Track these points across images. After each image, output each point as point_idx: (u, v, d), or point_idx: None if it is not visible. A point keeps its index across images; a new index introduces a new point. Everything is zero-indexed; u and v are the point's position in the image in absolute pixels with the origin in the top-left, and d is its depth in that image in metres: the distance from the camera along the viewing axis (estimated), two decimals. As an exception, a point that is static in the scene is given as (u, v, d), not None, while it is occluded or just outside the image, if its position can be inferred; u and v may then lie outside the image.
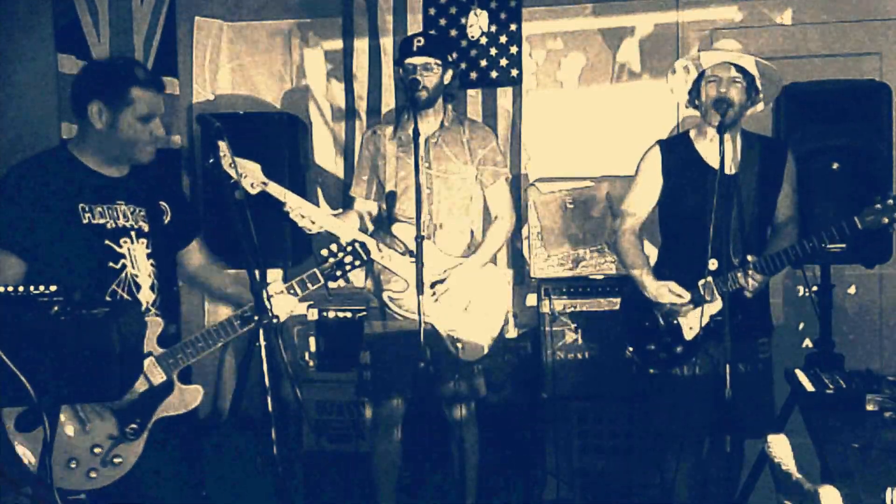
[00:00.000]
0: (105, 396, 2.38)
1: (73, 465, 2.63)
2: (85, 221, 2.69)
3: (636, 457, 4.25)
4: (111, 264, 2.72)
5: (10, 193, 2.66)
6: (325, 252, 2.98)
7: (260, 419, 2.57)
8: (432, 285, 3.68)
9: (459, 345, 3.75)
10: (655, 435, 3.69)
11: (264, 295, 2.55)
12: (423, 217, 3.56)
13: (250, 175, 3.34)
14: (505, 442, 4.35)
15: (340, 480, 4.45)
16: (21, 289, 2.09)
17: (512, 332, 4.33)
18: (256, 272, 2.55)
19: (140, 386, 2.68)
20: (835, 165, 3.84)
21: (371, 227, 3.90)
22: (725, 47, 3.43)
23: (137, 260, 2.77)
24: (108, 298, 2.69)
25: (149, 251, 2.81)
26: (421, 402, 3.95)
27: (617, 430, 4.29)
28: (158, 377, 2.73)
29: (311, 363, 4.61)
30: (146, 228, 2.82)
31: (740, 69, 3.31)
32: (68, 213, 2.67)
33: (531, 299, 4.60)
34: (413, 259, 3.50)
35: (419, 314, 3.32)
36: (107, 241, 2.72)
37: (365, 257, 2.99)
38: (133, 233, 2.78)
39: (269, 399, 2.49)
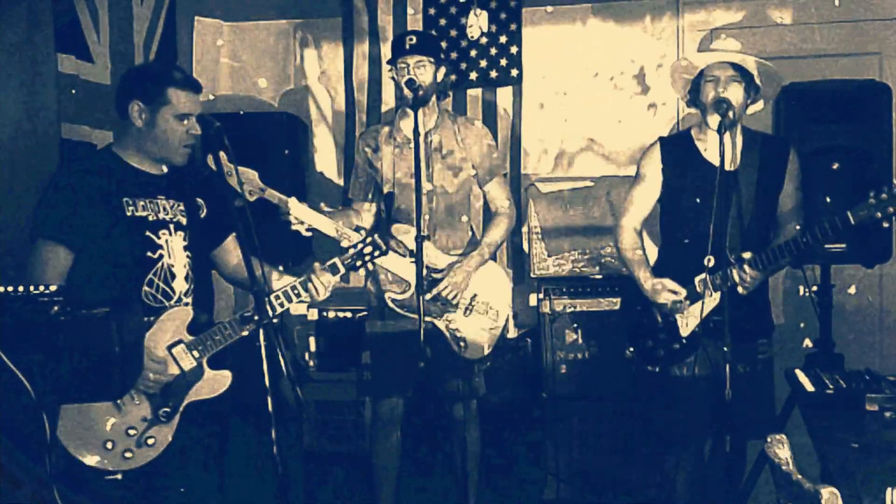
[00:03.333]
0: (105, 396, 2.40)
1: (108, 447, 2.74)
2: (129, 214, 2.85)
3: (636, 457, 4.25)
4: (149, 254, 2.87)
5: (60, 190, 2.84)
6: (346, 243, 3.19)
7: (260, 419, 2.59)
8: (430, 284, 3.67)
9: (462, 344, 3.75)
10: (655, 435, 3.69)
11: (264, 295, 2.64)
12: (423, 216, 3.55)
13: (248, 182, 3.35)
14: (505, 442, 4.34)
15: (340, 480, 4.45)
16: (21, 289, 2.10)
17: (512, 332, 4.32)
18: (258, 273, 2.63)
19: (172, 370, 2.83)
20: (835, 165, 3.84)
21: (369, 227, 3.90)
22: (724, 47, 3.43)
23: (174, 251, 2.92)
24: (145, 288, 2.84)
25: (185, 243, 2.96)
26: (421, 402, 3.95)
27: (617, 430, 4.29)
28: (188, 363, 2.86)
29: (311, 363, 4.61)
30: (184, 222, 2.98)
31: (738, 68, 3.31)
32: (114, 207, 2.83)
33: (531, 299, 4.60)
34: (413, 259, 3.50)
35: (419, 314, 3.31)
36: (147, 233, 2.87)
37: (384, 248, 3.15)
38: (172, 225, 2.94)
39: (269, 399, 2.51)
